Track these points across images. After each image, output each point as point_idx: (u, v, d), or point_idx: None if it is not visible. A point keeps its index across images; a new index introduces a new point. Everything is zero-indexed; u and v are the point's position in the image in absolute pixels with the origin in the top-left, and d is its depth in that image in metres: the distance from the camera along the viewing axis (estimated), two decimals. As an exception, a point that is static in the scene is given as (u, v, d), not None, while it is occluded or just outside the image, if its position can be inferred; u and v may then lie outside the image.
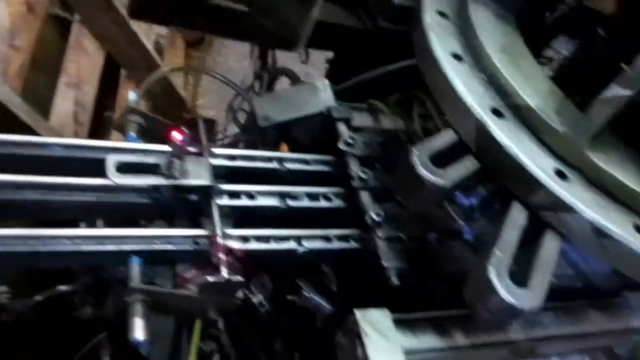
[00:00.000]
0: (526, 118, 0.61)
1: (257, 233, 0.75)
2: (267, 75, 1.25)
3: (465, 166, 0.60)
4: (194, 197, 0.74)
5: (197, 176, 0.71)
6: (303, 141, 0.96)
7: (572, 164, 0.59)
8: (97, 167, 0.69)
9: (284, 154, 0.86)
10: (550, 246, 0.57)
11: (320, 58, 1.38)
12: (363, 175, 0.81)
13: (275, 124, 0.88)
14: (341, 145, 0.85)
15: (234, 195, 0.77)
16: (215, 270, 0.67)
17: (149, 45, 2.43)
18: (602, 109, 0.56)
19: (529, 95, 0.62)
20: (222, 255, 0.67)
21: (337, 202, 0.84)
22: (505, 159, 0.58)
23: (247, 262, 0.74)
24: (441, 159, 0.61)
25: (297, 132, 0.95)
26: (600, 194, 0.58)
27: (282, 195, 0.81)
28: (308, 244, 0.77)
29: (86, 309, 0.95)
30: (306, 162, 0.87)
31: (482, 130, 0.59)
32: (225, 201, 0.76)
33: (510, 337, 0.84)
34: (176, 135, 0.65)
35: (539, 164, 0.57)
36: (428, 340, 0.78)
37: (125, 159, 0.67)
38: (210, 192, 0.73)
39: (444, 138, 0.61)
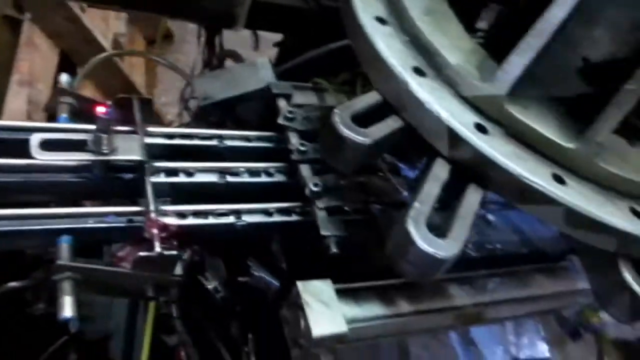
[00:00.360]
0: (447, 76, 0.61)
1: (195, 208, 0.74)
2: (216, 61, 1.24)
3: (388, 125, 0.60)
4: (128, 175, 0.73)
5: (127, 152, 0.70)
6: (248, 120, 0.95)
7: (492, 118, 0.59)
8: (23, 148, 0.67)
9: (224, 131, 0.85)
10: (471, 199, 0.58)
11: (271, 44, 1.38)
12: (302, 148, 0.81)
13: (214, 102, 0.87)
14: (280, 120, 0.85)
15: (171, 172, 0.77)
16: (150, 246, 0.66)
17: (106, 43, 2.39)
18: (516, 61, 0.57)
19: (451, 53, 0.62)
20: (155, 230, 0.66)
21: (279, 177, 0.84)
22: (427, 115, 0.58)
23: (185, 238, 0.73)
24: (366, 120, 0.61)
25: (240, 111, 0.94)
26: (519, 146, 0.59)
27: (222, 172, 0.80)
28: (248, 218, 0.77)
29: (39, 305, 0.93)
30: (247, 139, 0.87)
31: (403, 89, 0.60)
32: (162, 179, 0.75)
33: (456, 303, 0.85)
34: (100, 110, 0.64)
35: (459, 118, 0.58)
36: (371, 309, 0.78)
37: (50, 137, 0.66)
38: (143, 168, 0.72)
39: (368, 99, 0.62)
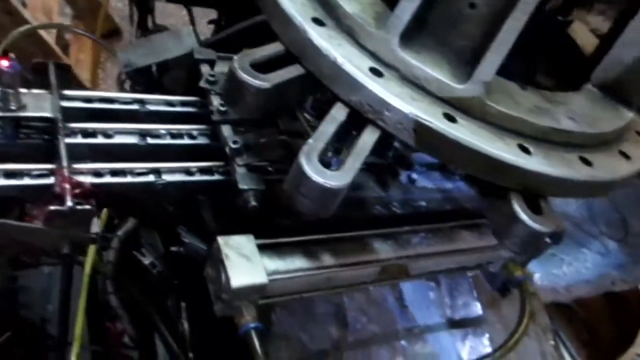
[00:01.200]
0: (346, 25, 0.64)
1: (112, 167, 0.74)
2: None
3: (289, 71, 0.62)
4: (41, 137, 0.73)
5: (37, 109, 0.70)
6: (174, 88, 0.96)
7: (387, 63, 0.62)
8: None
9: (146, 95, 0.86)
10: (367, 138, 0.60)
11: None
12: (222, 109, 0.82)
13: (137, 68, 0.87)
14: (202, 83, 0.86)
15: (89, 134, 0.77)
16: (62, 201, 0.66)
17: (49, 38, 2.35)
18: (406, 6, 0.60)
19: (349, 5, 0.65)
20: (66, 186, 0.67)
21: (202, 140, 0.85)
22: (324, 61, 0.61)
23: (103, 197, 0.73)
24: (270, 70, 0.63)
25: (166, 82, 0.95)
26: (413, 89, 0.62)
27: (143, 135, 0.81)
28: (168, 178, 0.77)
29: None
30: (170, 103, 0.87)
31: (303, 37, 0.62)
32: (78, 139, 0.75)
33: (380, 257, 0.88)
34: (3, 63, 0.64)
35: (355, 64, 0.61)
36: (294, 262, 0.80)
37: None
38: (56, 127, 0.72)
39: (270, 48, 0.64)
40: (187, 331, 0.98)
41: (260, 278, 0.74)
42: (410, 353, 1.15)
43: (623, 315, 1.87)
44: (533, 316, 0.98)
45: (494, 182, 0.63)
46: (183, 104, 0.88)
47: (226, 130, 0.82)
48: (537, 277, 1.59)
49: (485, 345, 1.19)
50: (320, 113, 0.93)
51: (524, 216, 0.62)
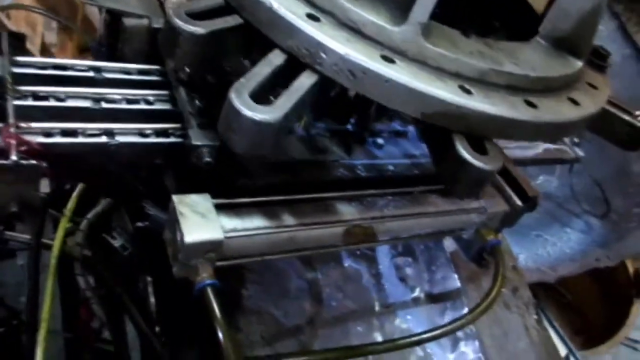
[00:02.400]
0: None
1: (63, 126, 0.73)
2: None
3: (226, 20, 0.62)
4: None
5: (-17, 69, 0.69)
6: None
7: (324, 9, 0.62)
8: None
9: (103, 63, 0.85)
10: (303, 80, 0.59)
11: None
12: (180, 73, 0.82)
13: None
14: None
15: (40, 97, 0.76)
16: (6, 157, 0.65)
17: (33, 48, 2.37)
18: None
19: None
20: (11, 141, 0.66)
21: (159, 105, 0.84)
22: (261, 8, 0.60)
23: (54, 158, 0.72)
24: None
25: (124, 51, 0.95)
26: (351, 33, 0.61)
27: (97, 99, 0.80)
28: (121, 139, 0.76)
29: None
30: (127, 72, 0.87)
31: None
32: (29, 102, 0.75)
33: (344, 217, 0.86)
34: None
35: (291, 9, 0.60)
36: (253, 221, 0.78)
37: None
38: (5, 88, 0.71)
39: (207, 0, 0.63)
40: (153, 306, 0.96)
41: (215, 234, 0.72)
42: (388, 329, 1.12)
43: (613, 297, 1.84)
44: (505, 279, 0.96)
45: (434, 123, 0.62)
46: (140, 72, 0.88)
47: (182, 93, 0.82)
48: (522, 258, 1.57)
49: (465, 319, 1.16)
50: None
51: (467, 155, 0.61)
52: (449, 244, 1.26)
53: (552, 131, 0.69)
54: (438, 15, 0.68)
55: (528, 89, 0.69)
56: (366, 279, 1.15)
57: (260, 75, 0.57)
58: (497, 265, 0.97)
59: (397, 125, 1.04)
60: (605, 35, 1.59)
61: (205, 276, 0.72)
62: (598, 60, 0.88)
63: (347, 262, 1.15)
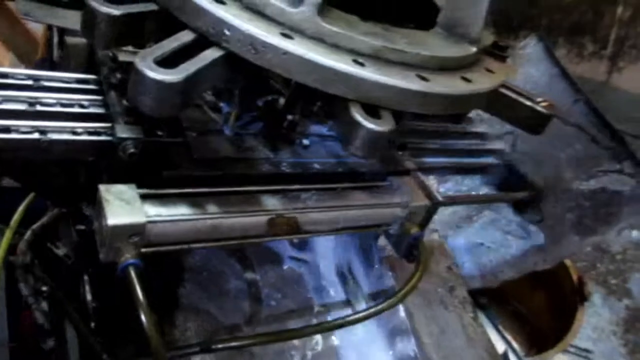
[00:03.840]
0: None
1: (-4, 124, 0.79)
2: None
3: (140, 6, 0.70)
4: None
5: None
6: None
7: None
8: None
9: (42, 72, 0.92)
10: (209, 52, 0.67)
11: None
12: (111, 78, 0.90)
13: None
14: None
15: (-25, 100, 0.82)
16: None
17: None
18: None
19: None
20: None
21: (92, 109, 0.91)
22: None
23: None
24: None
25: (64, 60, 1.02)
26: (253, 14, 0.69)
27: (32, 103, 0.86)
28: (54, 136, 0.82)
29: None
30: (65, 81, 0.94)
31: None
32: (-36, 104, 0.81)
33: (267, 208, 0.93)
34: None
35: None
36: (177, 209, 0.84)
37: None
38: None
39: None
40: (90, 302, 0.99)
41: (137, 218, 0.78)
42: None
43: (561, 305, 1.90)
44: (427, 266, 1.03)
45: (330, 92, 0.69)
46: (78, 81, 0.95)
47: (112, 95, 0.89)
48: (467, 266, 1.64)
49: (401, 317, 1.21)
50: (218, 91, 1.01)
51: (360, 118, 0.68)
52: (389, 249, 1.32)
53: (443, 103, 0.76)
54: (353, 9, 0.76)
55: (421, 66, 0.77)
56: (305, 279, 1.20)
57: (166, 47, 0.65)
58: (419, 254, 1.03)
59: (324, 130, 1.12)
60: (535, 57, 1.74)
61: (128, 257, 0.76)
62: (499, 51, 0.99)
63: (287, 264, 1.20)
